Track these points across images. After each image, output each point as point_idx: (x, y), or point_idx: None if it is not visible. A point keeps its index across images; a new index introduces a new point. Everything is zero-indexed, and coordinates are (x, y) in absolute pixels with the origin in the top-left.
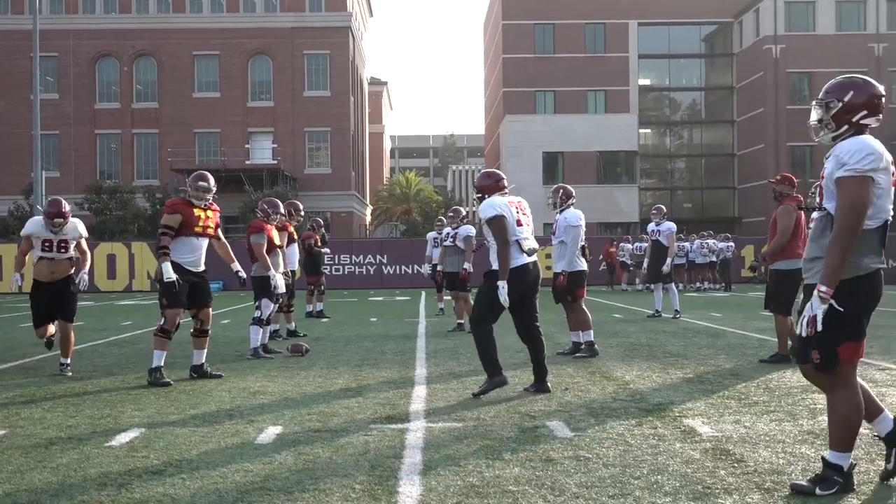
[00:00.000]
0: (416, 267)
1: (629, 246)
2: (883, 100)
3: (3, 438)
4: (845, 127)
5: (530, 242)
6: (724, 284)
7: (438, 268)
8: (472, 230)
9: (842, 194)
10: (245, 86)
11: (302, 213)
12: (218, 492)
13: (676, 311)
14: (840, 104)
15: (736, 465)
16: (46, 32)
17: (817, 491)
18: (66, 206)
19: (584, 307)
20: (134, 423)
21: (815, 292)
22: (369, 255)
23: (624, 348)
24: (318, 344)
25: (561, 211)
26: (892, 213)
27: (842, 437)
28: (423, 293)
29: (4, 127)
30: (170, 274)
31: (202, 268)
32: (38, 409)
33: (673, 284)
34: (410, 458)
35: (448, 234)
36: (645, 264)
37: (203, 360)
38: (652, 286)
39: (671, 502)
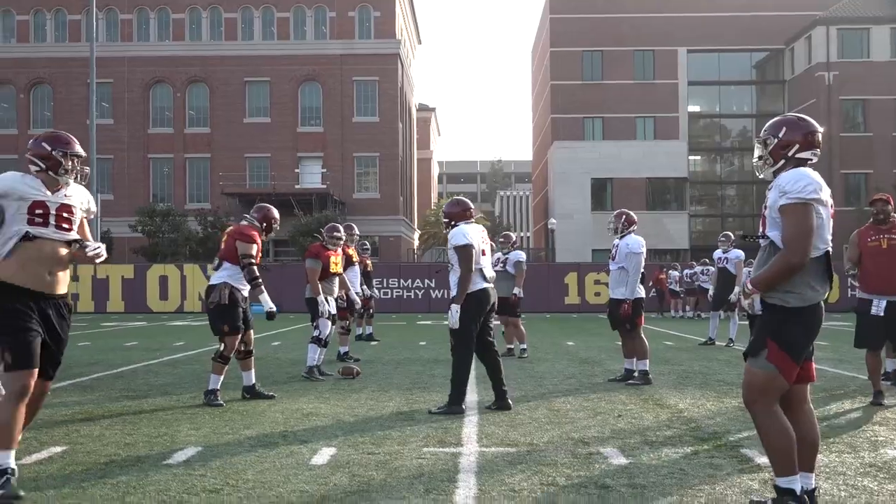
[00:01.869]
0: None
1: (676, 273)
2: (818, 135)
3: (64, 455)
4: (782, 161)
5: (489, 271)
6: None
7: None
8: (522, 255)
9: (787, 221)
10: (295, 111)
11: (355, 235)
12: None
13: (731, 339)
14: (775, 140)
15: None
16: (102, 60)
17: None
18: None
19: (642, 335)
20: (190, 442)
21: (747, 284)
22: (417, 280)
23: (677, 376)
24: (369, 367)
25: (622, 236)
26: (830, 244)
27: (782, 463)
28: None
29: None
30: (270, 305)
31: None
32: (97, 426)
33: (735, 312)
34: (465, 482)
35: (498, 259)
36: (711, 291)
37: (253, 381)
38: (706, 313)
39: None
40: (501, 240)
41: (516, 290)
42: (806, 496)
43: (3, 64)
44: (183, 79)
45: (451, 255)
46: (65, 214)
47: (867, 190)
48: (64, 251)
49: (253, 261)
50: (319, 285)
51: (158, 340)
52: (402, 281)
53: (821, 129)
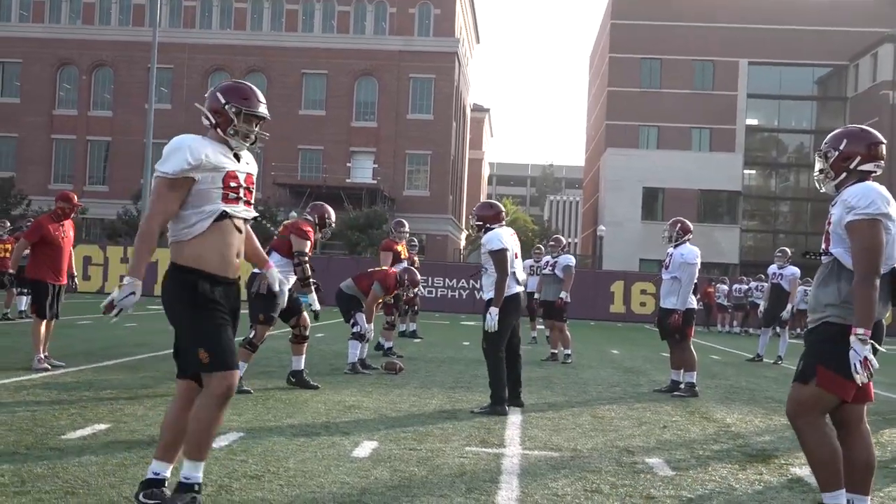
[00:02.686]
0: None
1: (725, 287)
2: (881, 147)
3: (108, 432)
4: (844, 175)
5: (521, 274)
6: None
7: (535, 296)
8: (572, 260)
9: (855, 238)
10: (350, 105)
11: (405, 232)
12: (315, 500)
13: (780, 357)
14: (836, 153)
15: None
16: (163, 45)
17: None
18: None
19: (691, 347)
20: (233, 427)
21: (853, 337)
22: (462, 280)
23: (724, 390)
24: (412, 363)
25: (676, 245)
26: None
27: (827, 478)
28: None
29: (119, 135)
30: (317, 305)
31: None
32: (141, 406)
33: (786, 330)
34: (507, 483)
35: (547, 262)
36: (762, 307)
37: (302, 366)
38: (754, 329)
39: None
40: (552, 243)
41: (563, 295)
42: None
43: (68, 45)
44: (242, 67)
45: (484, 259)
46: (251, 187)
47: None
48: (245, 226)
49: (306, 258)
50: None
51: None
52: (447, 280)
53: (884, 140)
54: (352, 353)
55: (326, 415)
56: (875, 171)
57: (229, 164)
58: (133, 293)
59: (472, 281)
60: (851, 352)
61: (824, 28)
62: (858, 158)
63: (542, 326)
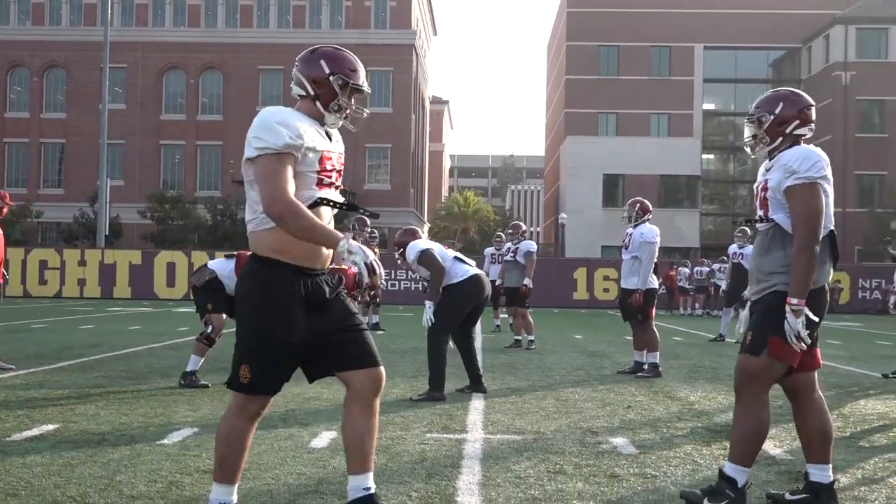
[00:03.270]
0: None
1: (686, 270)
2: (813, 110)
3: (56, 432)
4: (780, 139)
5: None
6: None
7: (498, 283)
8: (533, 245)
9: (795, 203)
10: None
11: (366, 230)
12: (270, 493)
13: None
14: (772, 117)
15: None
16: (116, 44)
17: (705, 502)
18: None
19: (653, 328)
20: (187, 423)
21: (787, 307)
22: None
23: (687, 370)
24: None
25: (636, 225)
26: (832, 223)
27: (743, 452)
28: None
29: (73, 136)
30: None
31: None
32: (93, 405)
33: (747, 310)
34: (469, 467)
35: (508, 249)
36: (723, 287)
37: None
38: (716, 311)
39: None
40: (510, 230)
41: (526, 281)
42: (827, 490)
43: (18, 46)
44: (197, 65)
45: (421, 271)
46: (341, 169)
47: (881, 192)
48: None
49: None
50: None
51: (163, 325)
52: (410, 273)
53: (813, 103)
54: None
55: (285, 407)
56: (808, 135)
57: (324, 143)
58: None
59: None
60: (786, 323)
61: (777, 11)
62: (796, 122)
63: (506, 315)
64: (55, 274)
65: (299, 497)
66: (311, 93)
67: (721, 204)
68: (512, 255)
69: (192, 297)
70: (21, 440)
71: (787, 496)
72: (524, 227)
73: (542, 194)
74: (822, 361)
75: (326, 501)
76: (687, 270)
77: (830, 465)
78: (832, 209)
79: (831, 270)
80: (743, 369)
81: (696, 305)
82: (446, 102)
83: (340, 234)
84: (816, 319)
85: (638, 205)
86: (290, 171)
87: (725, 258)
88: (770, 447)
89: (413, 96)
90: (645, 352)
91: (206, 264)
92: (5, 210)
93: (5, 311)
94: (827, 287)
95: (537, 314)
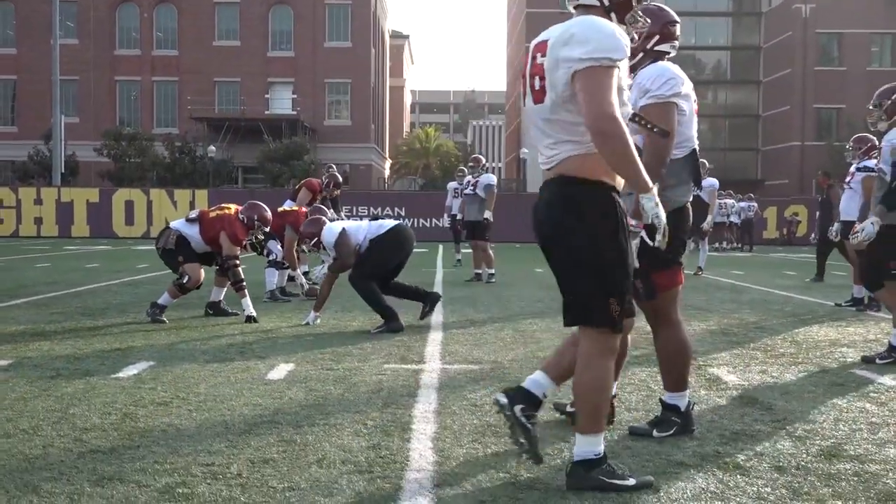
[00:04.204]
0: (434, 220)
1: None
2: (676, 26)
3: (9, 368)
4: (640, 55)
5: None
6: (745, 245)
7: (458, 216)
8: (493, 178)
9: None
10: (266, 35)
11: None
12: (225, 423)
13: (699, 267)
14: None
15: (764, 412)
16: None
17: (654, 433)
18: None
19: None
20: (143, 357)
21: (646, 200)
22: (388, 208)
23: None
24: (333, 290)
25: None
26: (696, 142)
27: (674, 378)
28: (441, 246)
29: (25, 73)
30: (251, 310)
31: None
32: (47, 342)
33: (705, 241)
34: (425, 396)
35: (468, 182)
36: None
37: (221, 298)
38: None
39: (698, 446)
40: (471, 163)
41: (487, 214)
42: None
43: None
44: None
45: (334, 253)
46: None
47: (839, 125)
48: None
49: (237, 262)
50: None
51: (121, 263)
52: (371, 209)
53: (678, 20)
54: (269, 281)
55: (242, 340)
56: (671, 53)
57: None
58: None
59: (397, 209)
60: (655, 220)
61: None
62: (656, 38)
63: (468, 249)
64: (10, 213)
65: (255, 427)
66: (606, 3)
67: None
68: (472, 188)
69: (162, 259)
70: None
71: (655, 433)
72: (484, 161)
73: (504, 130)
74: (718, 281)
75: (282, 430)
76: None
77: (686, 393)
78: (694, 129)
79: (691, 190)
80: (652, 314)
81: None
82: (406, 37)
83: (651, 183)
84: (651, 243)
85: None
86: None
87: None
88: (724, 373)
89: (372, 30)
90: None
91: (167, 226)
92: None
93: None
94: (689, 207)
95: (498, 248)
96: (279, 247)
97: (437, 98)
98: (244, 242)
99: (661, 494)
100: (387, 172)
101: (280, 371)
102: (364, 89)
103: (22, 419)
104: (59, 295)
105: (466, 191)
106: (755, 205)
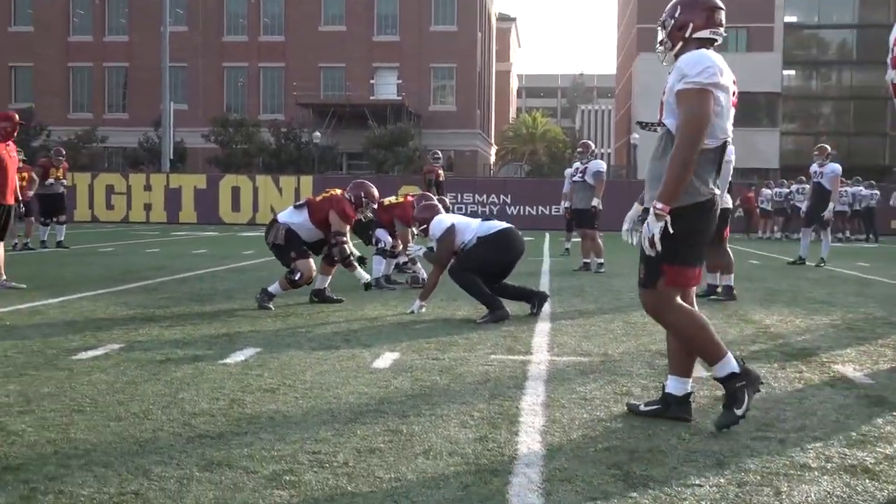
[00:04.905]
0: (540, 208)
1: (769, 192)
2: (719, 13)
3: (121, 352)
4: (681, 44)
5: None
6: (869, 235)
7: (566, 205)
8: (602, 165)
9: (682, 107)
10: (371, 19)
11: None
12: (331, 412)
13: (822, 259)
14: (672, 21)
15: (895, 413)
16: None
17: (733, 411)
18: None
19: (727, 249)
20: (250, 344)
21: (651, 210)
22: (492, 195)
23: (763, 293)
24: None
25: None
26: (730, 134)
27: (709, 352)
28: (547, 235)
29: (136, 59)
30: (365, 277)
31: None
32: (157, 326)
33: (828, 231)
34: (533, 388)
35: (577, 169)
36: (804, 207)
37: (326, 286)
38: (796, 234)
39: (822, 448)
40: (580, 149)
41: (595, 202)
42: (679, 402)
43: None
44: None
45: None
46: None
47: None
48: None
49: (345, 238)
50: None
51: (228, 249)
52: (476, 196)
53: (722, 6)
54: (376, 269)
55: (347, 328)
56: (715, 39)
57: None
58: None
59: (503, 196)
60: (644, 226)
61: None
62: (691, 26)
63: (577, 238)
64: (122, 199)
65: (360, 416)
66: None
67: (803, 122)
68: (581, 175)
69: (273, 253)
70: (87, 359)
71: (642, 407)
72: (593, 147)
73: (614, 114)
74: (843, 273)
75: (388, 420)
76: (769, 192)
77: (689, 379)
78: (729, 122)
79: (716, 185)
80: (648, 305)
81: (775, 228)
82: (513, 20)
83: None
84: (672, 232)
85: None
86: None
87: (804, 178)
88: (850, 371)
89: (479, 13)
90: (719, 274)
91: (274, 219)
92: (13, 132)
93: (73, 236)
94: (715, 202)
95: (608, 237)
96: (388, 236)
97: (545, 82)
98: (353, 220)
99: (784, 498)
100: (492, 159)
101: (385, 360)
102: (470, 74)
103: (133, 403)
104: (167, 280)
105: (575, 178)
106: (877, 193)
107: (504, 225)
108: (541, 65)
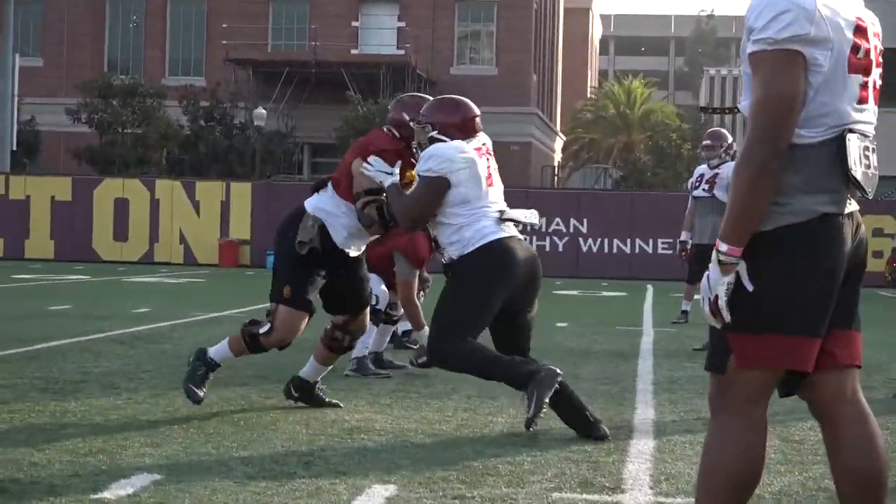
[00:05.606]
0: (638, 241)
1: None
2: None
3: None
4: None
5: (511, 210)
6: None
7: (683, 237)
8: None
9: (754, 81)
10: None
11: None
12: None
13: None
14: None
15: None
16: None
17: None
18: None
19: None
20: (142, 467)
21: (713, 255)
22: (557, 218)
23: None
24: None
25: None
26: (859, 119)
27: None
28: (650, 287)
29: None
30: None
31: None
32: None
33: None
34: None
35: (702, 176)
36: None
37: (318, 379)
38: None
39: None
40: (708, 142)
41: None
42: None
43: None
44: None
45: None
46: None
47: None
48: None
49: (377, 196)
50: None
51: (107, 304)
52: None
53: None
54: (361, 343)
55: (310, 443)
56: None
57: None
58: None
59: (574, 221)
60: (703, 283)
61: None
62: None
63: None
64: None
65: None
66: None
67: None
68: (706, 186)
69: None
70: None
71: None
72: (730, 139)
73: None
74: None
75: None
76: None
77: None
78: (846, 96)
79: (837, 202)
80: (712, 392)
81: None
82: None
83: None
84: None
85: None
86: None
87: None
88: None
89: None
90: None
91: (301, 208)
92: None
93: None
94: (833, 228)
95: None
96: (382, 286)
97: (647, 28)
98: (398, 155)
99: None
100: (557, 157)
101: (373, 498)
102: (520, 15)
103: None
104: (6, 356)
105: (697, 191)
106: None
107: (509, 233)
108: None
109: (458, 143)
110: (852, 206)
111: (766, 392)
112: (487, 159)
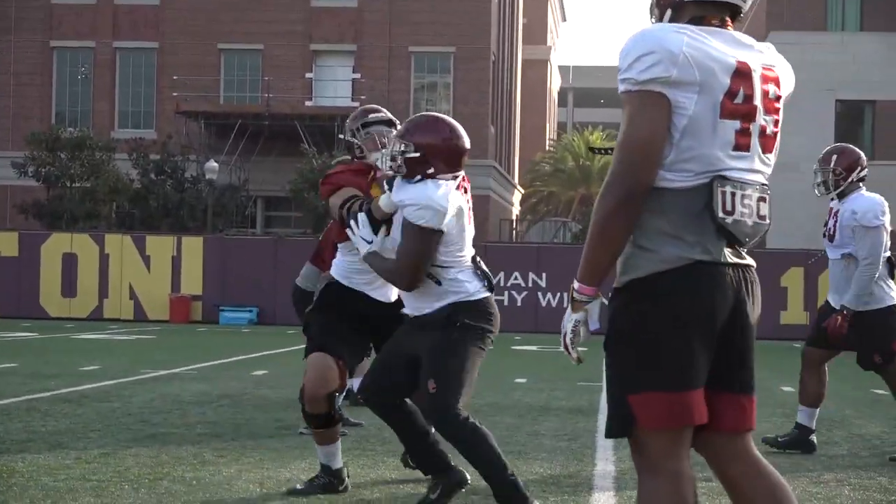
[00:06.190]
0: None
1: None
2: None
3: None
4: (669, 11)
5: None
6: None
7: None
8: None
9: (621, 121)
10: None
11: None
12: None
13: None
14: None
15: None
16: None
17: None
18: None
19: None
20: None
21: (571, 290)
22: (516, 273)
23: None
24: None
25: (841, 195)
26: (735, 165)
27: None
28: None
29: None
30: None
31: (394, 296)
32: None
33: None
34: None
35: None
36: None
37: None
38: None
39: None
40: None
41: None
42: None
43: None
44: None
45: (396, 229)
46: None
47: None
48: None
49: (352, 201)
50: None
51: (55, 362)
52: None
53: None
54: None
55: (264, 502)
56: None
57: None
58: None
59: (533, 275)
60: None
61: None
62: None
63: None
64: None
65: None
66: None
67: None
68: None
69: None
70: None
71: None
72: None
73: None
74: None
75: None
76: None
77: None
78: (722, 141)
79: (716, 250)
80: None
81: None
82: None
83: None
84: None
85: (837, 157)
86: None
87: None
88: None
89: None
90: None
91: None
92: None
93: None
94: (719, 274)
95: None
96: None
97: (606, 80)
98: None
99: None
100: (516, 210)
101: None
102: (478, 65)
103: None
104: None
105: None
106: None
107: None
108: (597, 51)
109: (450, 187)
110: (742, 259)
111: (683, 446)
112: (468, 200)
